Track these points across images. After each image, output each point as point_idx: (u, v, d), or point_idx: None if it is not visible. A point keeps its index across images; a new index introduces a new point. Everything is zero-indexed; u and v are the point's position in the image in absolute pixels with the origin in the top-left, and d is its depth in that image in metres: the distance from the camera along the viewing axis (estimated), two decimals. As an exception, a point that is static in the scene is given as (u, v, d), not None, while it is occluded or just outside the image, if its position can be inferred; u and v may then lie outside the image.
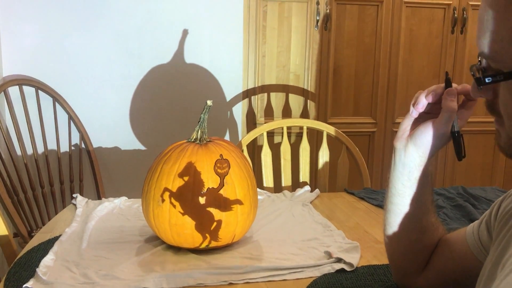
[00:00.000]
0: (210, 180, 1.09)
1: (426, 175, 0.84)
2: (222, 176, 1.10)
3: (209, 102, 1.16)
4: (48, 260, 1.06)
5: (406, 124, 0.85)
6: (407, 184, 0.85)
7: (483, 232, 0.79)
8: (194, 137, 1.17)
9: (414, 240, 0.88)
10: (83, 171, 2.35)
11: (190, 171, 1.09)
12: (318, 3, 2.53)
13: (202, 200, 1.08)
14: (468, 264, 0.81)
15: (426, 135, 0.81)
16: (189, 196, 1.08)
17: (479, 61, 0.63)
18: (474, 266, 0.78)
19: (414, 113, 0.83)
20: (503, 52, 0.58)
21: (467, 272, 0.81)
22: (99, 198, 2.27)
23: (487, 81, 0.60)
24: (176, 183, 1.09)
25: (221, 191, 1.10)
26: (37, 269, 1.00)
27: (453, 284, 0.86)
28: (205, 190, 1.08)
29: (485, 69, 0.62)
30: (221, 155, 1.12)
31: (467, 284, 0.81)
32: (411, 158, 0.83)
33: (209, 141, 1.17)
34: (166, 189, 1.09)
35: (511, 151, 0.64)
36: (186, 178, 1.09)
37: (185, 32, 2.41)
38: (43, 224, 2.09)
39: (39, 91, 2.23)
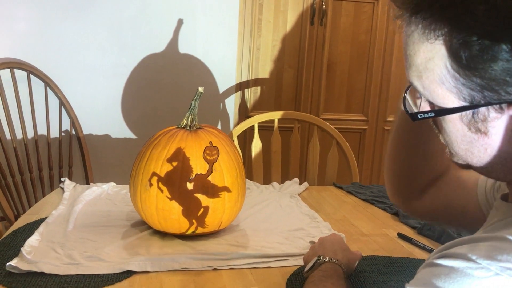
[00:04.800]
0: (198, 166, 1.09)
1: None
2: (210, 163, 1.10)
3: (200, 89, 1.16)
4: (33, 240, 1.05)
5: None
6: None
7: (490, 195, 0.75)
8: (184, 123, 1.17)
9: (421, 155, 0.82)
10: (73, 157, 2.34)
11: (179, 156, 1.09)
12: (314, -1, 2.53)
13: (190, 186, 1.08)
14: (469, 207, 0.78)
15: None
16: (177, 181, 1.08)
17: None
18: (474, 211, 0.76)
19: None
20: (429, 88, 0.55)
21: (465, 213, 0.78)
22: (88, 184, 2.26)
23: (419, 117, 0.57)
24: (164, 168, 1.09)
25: (209, 178, 1.10)
26: (21, 249, 1.00)
27: (445, 218, 0.83)
28: (193, 176, 1.08)
29: (420, 95, 0.58)
30: (210, 142, 1.12)
31: (460, 223, 0.79)
32: None
33: (199, 128, 1.17)
34: (154, 174, 1.09)
35: (468, 166, 0.61)
36: (174, 164, 1.09)
37: (179, 22, 2.40)
38: (31, 209, 2.08)
39: (31, 75, 2.21)
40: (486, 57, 0.49)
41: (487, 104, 0.51)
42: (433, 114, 0.56)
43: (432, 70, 0.53)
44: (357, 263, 0.99)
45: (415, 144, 0.82)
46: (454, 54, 0.51)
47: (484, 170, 0.59)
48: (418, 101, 0.58)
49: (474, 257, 0.48)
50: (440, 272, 0.49)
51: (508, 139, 0.53)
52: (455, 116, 0.54)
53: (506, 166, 0.56)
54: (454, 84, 0.52)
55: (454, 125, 0.55)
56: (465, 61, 0.50)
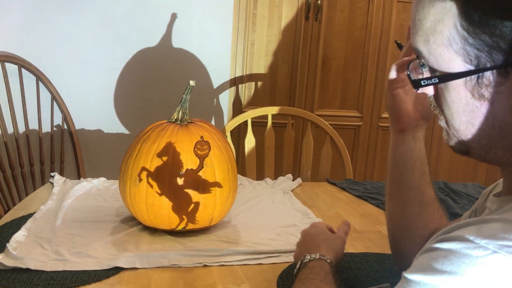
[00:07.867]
0: (189, 161, 1.07)
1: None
2: (201, 158, 1.09)
3: (191, 83, 1.14)
4: (19, 235, 1.03)
5: None
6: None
7: None
8: (175, 117, 1.15)
9: (417, 214, 0.87)
10: (65, 152, 2.32)
11: (169, 151, 1.07)
12: (309, -6, 2.51)
13: (180, 181, 1.07)
14: None
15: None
16: (167, 176, 1.07)
17: (417, 57, 0.60)
18: None
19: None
20: (435, 52, 0.56)
21: None
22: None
23: (422, 84, 0.58)
24: (154, 163, 1.07)
25: (200, 173, 1.08)
26: (7, 244, 0.98)
27: None
28: (184, 171, 1.07)
29: (423, 66, 0.59)
30: (201, 136, 1.10)
31: None
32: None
33: (190, 122, 1.16)
34: (143, 169, 1.07)
35: (464, 150, 0.61)
36: (164, 158, 1.07)
37: (173, 16, 2.37)
38: (21, 204, 2.06)
39: (22, 69, 2.18)
40: (497, 12, 0.49)
41: (493, 67, 0.51)
42: (437, 80, 0.56)
43: (441, 32, 0.54)
44: (344, 246, 0.98)
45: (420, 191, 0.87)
46: (465, 11, 0.51)
47: (483, 148, 0.58)
48: (420, 76, 0.59)
49: (471, 238, 0.48)
50: (438, 255, 0.49)
51: (510, 107, 0.53)
52: (459, 82, 0.54)
53: (506, 140, 0.55)
54: (461, 45, 0.52)
55: (458, 92, 0.55)
56: (476, 17, 0.50)
